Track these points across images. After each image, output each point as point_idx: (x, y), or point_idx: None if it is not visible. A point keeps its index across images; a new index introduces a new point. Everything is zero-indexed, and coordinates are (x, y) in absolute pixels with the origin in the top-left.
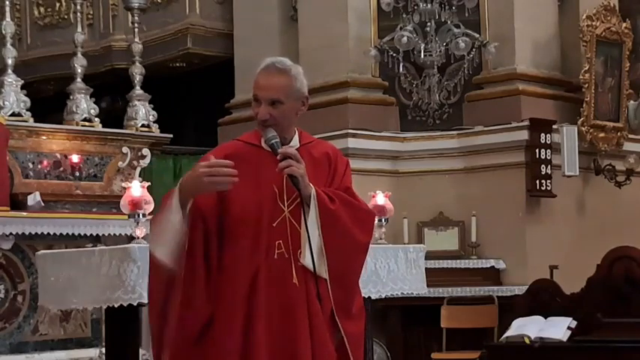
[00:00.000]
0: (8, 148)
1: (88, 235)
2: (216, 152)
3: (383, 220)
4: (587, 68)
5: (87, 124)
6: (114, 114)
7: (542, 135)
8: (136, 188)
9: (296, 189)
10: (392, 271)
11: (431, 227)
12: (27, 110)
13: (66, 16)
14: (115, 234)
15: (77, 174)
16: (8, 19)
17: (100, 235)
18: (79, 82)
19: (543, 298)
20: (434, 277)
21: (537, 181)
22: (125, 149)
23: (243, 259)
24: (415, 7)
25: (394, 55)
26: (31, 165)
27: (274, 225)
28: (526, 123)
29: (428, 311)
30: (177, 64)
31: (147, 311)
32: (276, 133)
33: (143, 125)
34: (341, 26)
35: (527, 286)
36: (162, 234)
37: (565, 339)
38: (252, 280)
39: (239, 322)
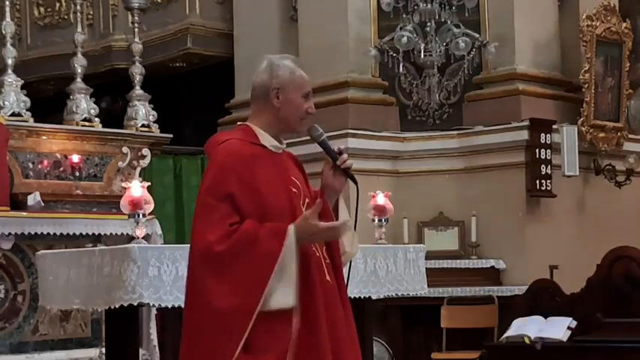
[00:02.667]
0: (8, 148)
1: (88, 235)
2: (231, 154)
3: (383, 220)
4: (587, 68)
5: (87, 124)
6: (114, 114)
7: (542, 135)
8: (136, 188)
9: (354, 182)
10: (391, 272)
11: (431, 227)
12: (27, 110)
13: (66, 16)
14: (115, 234)
15: (77, 174)
16: (8, 19)
17: (100, 235)
18: (79, 82)
19: (543, 298)
20: (434, 277)
21: (537, 181)
22: (125, 149)
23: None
24: (415, 7)
25: (394, 55)
26: (31, 165)
27: None
28: (526, 123)
29: (428, 311)
30: (177, 64)
31: (146, 312)
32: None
33: (143, 125)
34: (341, 26)
35: (527, 286)
36: (286, 279)
37: (565, 339)
38: (304, 281)
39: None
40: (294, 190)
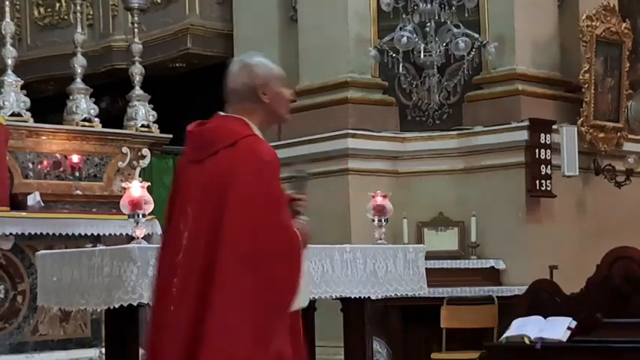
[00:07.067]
0: (8, 148)
1: (88, 235)
2: (274, 157)
3: (383, 220)
4: (587, 68)
5: (87, 124)
6: (114, 114)
7: (542, 135)
8: (136, 188)
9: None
10: (390, 272)
11: (431, 227)
12: (27, 110)
13: (66, 16)
14: (115, 234)
15: (77, 174)
16: (8, 19)
17: (100, 235)
18: (78, 82)
19: (543, 298)
20: (434, 277)
21: (537, 182)
22: (125, 149)
23: None
24: (415, 7)
25: (394, 55)
26: (31, 165)
27: None
28: (526, 123)
29: (428, 311)
30: (177, 64)
31: (147, 312)
32: None
33: (143, 125)
34: (341, 26)
35: (527, 286)
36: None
37: (565, 339)
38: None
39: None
40: None
